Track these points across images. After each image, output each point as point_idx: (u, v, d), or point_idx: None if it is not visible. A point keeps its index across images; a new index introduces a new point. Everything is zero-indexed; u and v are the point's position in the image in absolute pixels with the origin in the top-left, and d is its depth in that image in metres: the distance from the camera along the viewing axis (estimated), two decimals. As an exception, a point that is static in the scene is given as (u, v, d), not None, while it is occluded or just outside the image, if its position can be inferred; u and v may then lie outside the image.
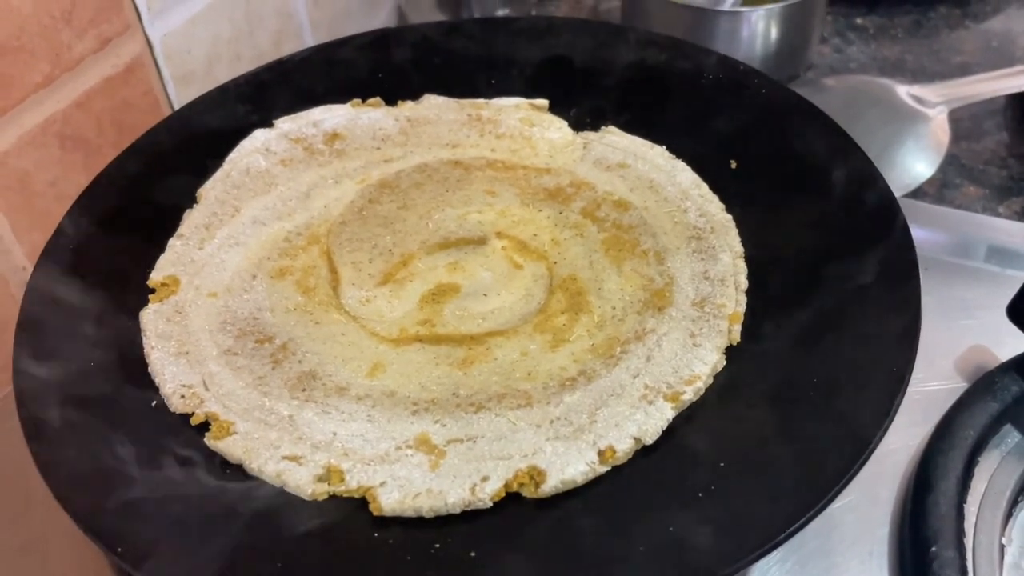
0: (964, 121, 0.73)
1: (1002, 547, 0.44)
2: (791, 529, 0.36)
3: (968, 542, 0.43)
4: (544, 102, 0.60)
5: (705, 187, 0.54)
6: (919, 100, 0.72)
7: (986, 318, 0.53)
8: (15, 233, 0.54)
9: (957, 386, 0.50)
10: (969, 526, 0.44)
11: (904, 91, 0.73)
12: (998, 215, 0.66)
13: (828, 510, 0.37)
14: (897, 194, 0.64)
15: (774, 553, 0.44)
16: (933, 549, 0.42)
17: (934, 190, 0.68)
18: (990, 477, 0.46)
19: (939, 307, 0.53)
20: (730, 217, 0.52)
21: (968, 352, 0.53)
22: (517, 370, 0.45)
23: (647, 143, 0.57)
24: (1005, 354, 0.51)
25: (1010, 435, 0.48)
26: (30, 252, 0.55)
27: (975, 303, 0.56)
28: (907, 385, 0.39)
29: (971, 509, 0.45)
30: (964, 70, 0.79)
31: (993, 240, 0.60)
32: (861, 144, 0.52)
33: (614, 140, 0.57)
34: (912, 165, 0.68)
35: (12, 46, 0.51)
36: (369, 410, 0.43)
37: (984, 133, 0.73)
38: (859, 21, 0.86)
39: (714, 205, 0.53)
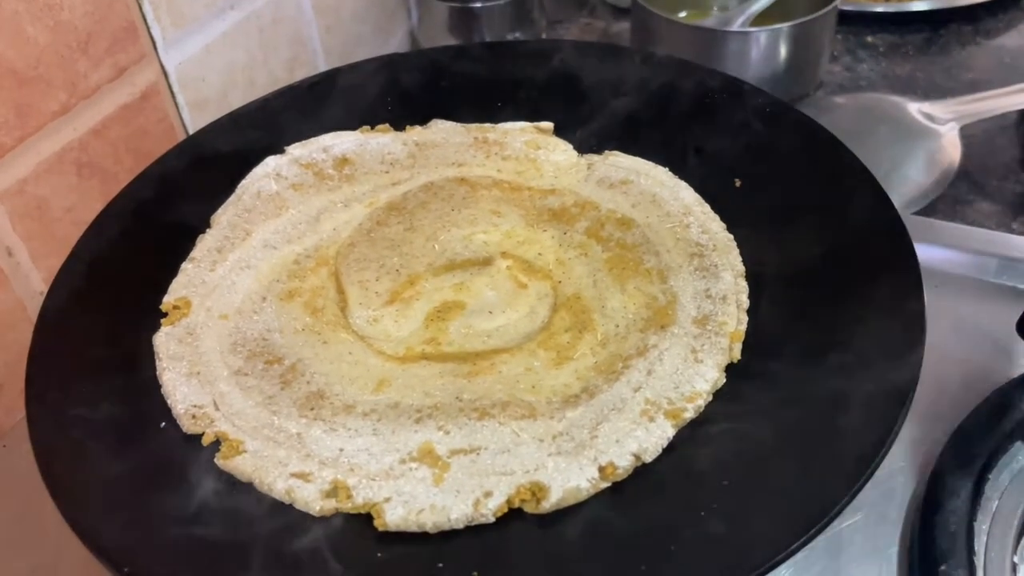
0: (976, 137, 0.73)
1: (1014, 566, 0.44)
2: (793, 547, 0.36)
3: (979, 561, 0.43)
4: (549, 125, 0.61)
5: (707, 206, 0.54)
6: (930, 117, 0.72)
7: (997, 334, 0.53)
8: (33, 259, 0.55)
9: (967, 402, 0.50)
10: (980, 545, 0.44)
11: (915, 108, 0.73)
12: (1011, 231, 0.65)
13: (836, 529, 0.37)
14: (909, 211, 0.65)
15: (782, 572, 0.44)
16: (943, 568, 0.41)
17: (946, 207, 0.68)
18: (1001, 495, 0.46)
19: (950, 323, 0.53)
20: (731, 236, 0.52)
21: (979, 368, 0.53)
22: (521, 382, 0.45)
23: (650, 163, 0.57)
24: (1016, 370, 0.50)
25: (1021, 452, 0.47)
26: (48, 278, 0.56)
27: (986, 319, 0.55)
28: (910, 404, 0.39)
29: (982, 527, 0.44)
30: (975, 87, 0.79)
31: (1005, 256, 0.60)
32: (872, 161, 0.52)
33: (618, 160, 0.58)
34: (923, 182, 0.68)
35: (30, 76, 0.52)
36: (374, 424, 0.44)
37: (996, 149, 0.72)
38: (869, 39, 0.86)
39: (716, 223, 0.53)
